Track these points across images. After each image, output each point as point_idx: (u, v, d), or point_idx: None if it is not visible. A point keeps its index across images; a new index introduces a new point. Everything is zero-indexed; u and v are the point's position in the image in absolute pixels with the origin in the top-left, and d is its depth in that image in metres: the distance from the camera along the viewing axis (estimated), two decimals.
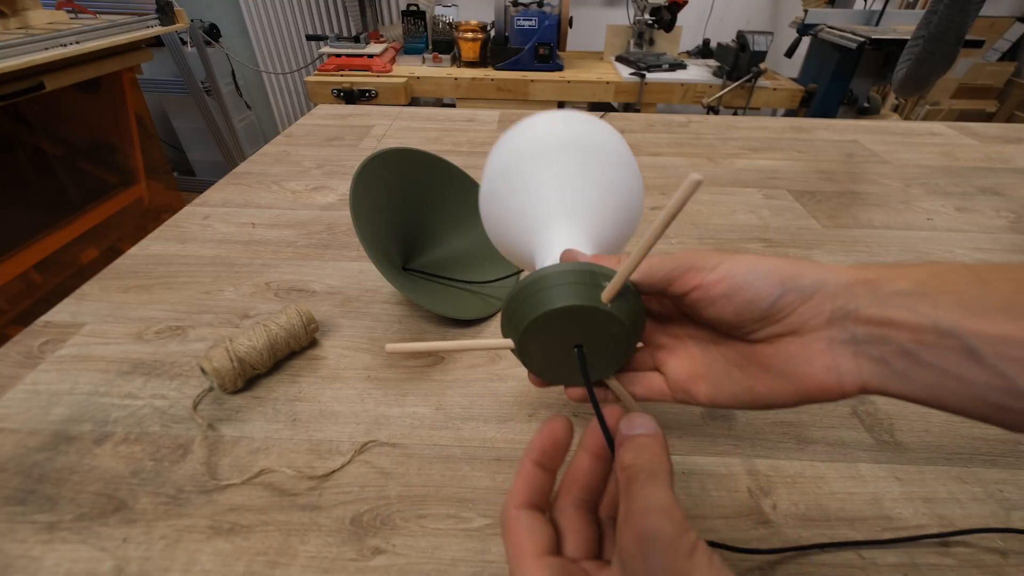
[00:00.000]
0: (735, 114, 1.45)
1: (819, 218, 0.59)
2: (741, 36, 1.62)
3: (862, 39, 1.45)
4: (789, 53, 1.75)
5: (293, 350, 0.39)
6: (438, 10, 1.80)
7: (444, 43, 1.80)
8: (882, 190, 0.66)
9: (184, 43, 1.80)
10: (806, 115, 1.71)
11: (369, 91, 1.67)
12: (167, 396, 0.36)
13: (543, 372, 0.24)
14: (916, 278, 0.19)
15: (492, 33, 1.81)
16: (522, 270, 0.48)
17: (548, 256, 0.26)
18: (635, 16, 1.86)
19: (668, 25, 1.76)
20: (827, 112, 1.65)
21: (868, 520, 0.29)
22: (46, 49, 1.05)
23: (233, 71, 2.19)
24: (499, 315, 0.44)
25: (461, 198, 0.50)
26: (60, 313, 0.43)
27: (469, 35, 1.76)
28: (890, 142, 0.82)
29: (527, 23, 1.70)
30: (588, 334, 0.22)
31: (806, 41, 1.73)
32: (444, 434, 0.34)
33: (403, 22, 1.80)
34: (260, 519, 0.29)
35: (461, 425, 0.34)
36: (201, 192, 0.63)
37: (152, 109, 1.69)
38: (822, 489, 0.31)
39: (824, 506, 0.30)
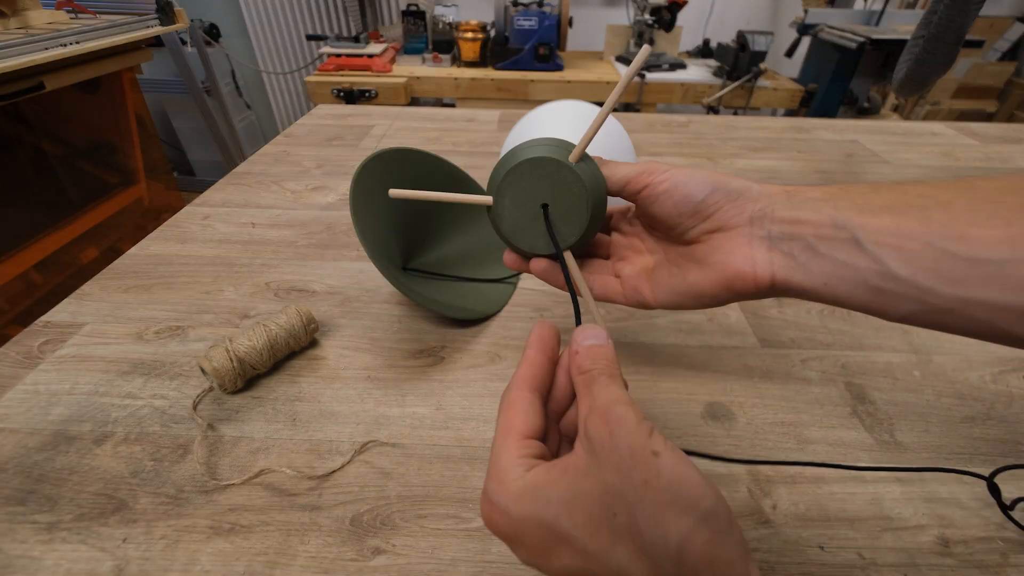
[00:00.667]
0: (735, 114, 1.45)
1: None
2: (741, 36, 1.62)
3: (862, 39, 1.44)
4: (789, 53, 1.75)
5: (293, 350, 0.39)
6: (438, 10, 1.80)
7: (444, 43, 1.80)
8: None
9: (184, 43, 1.79)
10: (806, 115, 1.71)
11: (369, 91, 1.67)
12: (167, 396, 0.36)
13: (513, 235, 0.28)
14: (825, 190, 0.23)
15: (492, 33, 1.81)
16: (520, 273, 0.49)
17: None
18: (635, 16, 1.86)
19: (668, 25, 1.76)
20: (827, 112, 1.65)
21: (868, 520, 0.29)
22: (46, 49, 1.05)
23: (233, 71, 2.19)
24: (499, 314, 0.44)
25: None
26: (60, 313, 0.43)
27: (469, 35, 1.76)
28: (890, 142, 0.82)
29: (527, 23, 1.70)
30: (554, 194, 0.26)
31: (806, 41, 1.73)
32: (444, 434, 0.34)
33: (403, 22, 1.80)
34: (260, 519, 0.29)
35: (461, 425, 0.34)
36: (201, 192, 0.63)
37: (152, 109, 1.69)
38: (822, 489, 0.31)
39: (824, 506, 0.30)
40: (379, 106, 1.16)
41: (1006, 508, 0.28)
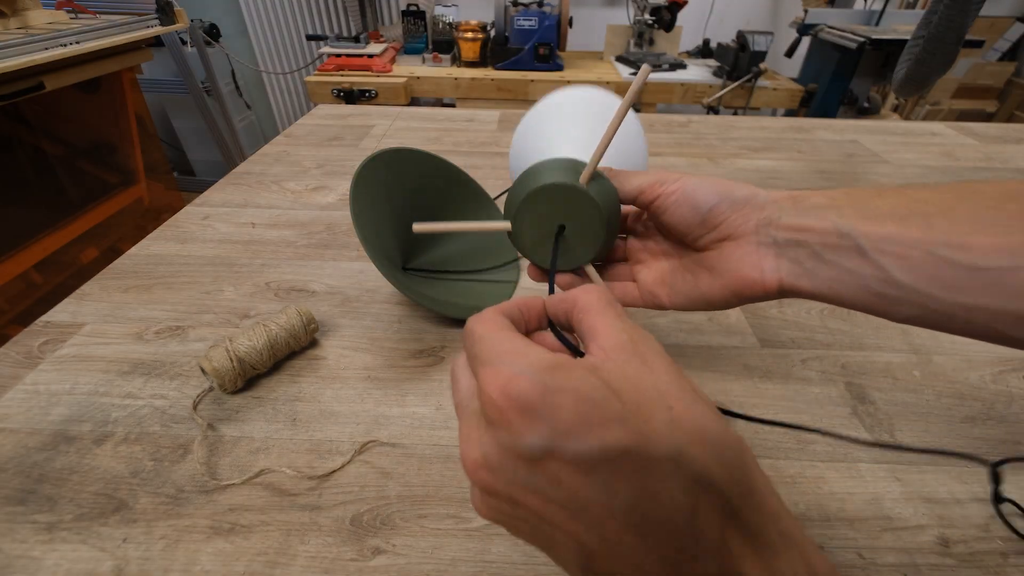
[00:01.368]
0: (735, 114, 1.45)
1: None
2: (741, 36, 1.62)
3: (862, 39, 1.44)
4: (789, 53, 1.75)
5: (293, 350, 0.39)
6: (438, 10, 1.80)
7: (444, 43, 1.80)
8: None
9: (184, 43, 1.79)
10: (806, 115, 1.71)
11: (369, 91, 1.67)
12: (167, 396, 0.36)
13: (534, 254, 0.29)
14: (830, 196, 0.23)
15: (492, 33, 1.81)
16: (519, 257, 0.49)
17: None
18: (635, 16, 1.86)
19: (668, 25, 1.76)
20: (827, 112, 1.65)
21: (868, 520, 0.29)
22: (46, 49, 1.05)
23: (233, 71, 2.18)
24: None
25: (461, 198, 0.50)
26: (60, 313, 0.43)
27: (469, 35, 1.76)
28: (890, 142, 0.82)
29: (527, 23, 1.70)
30: (570, 214, 0.27)
31: (806, 41, 1.73)
32: (444, 434, 0.34)
33: (403, 22, 1.81)
34: (260, 519, 0.29)
35: None
36: (201, 192, 0.63)
37: (152, 109, 1.69)
38: (822, 489, 0.31)
39: (824, 506, 0.30)
40: (379, 106, 1.16)
41: (998, 499, 0.29)
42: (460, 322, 0.43)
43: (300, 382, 0.37)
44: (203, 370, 0.34)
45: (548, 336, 0.21)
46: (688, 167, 0.72)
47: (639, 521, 0.14)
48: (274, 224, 0.57)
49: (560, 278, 0.29)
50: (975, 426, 0.34)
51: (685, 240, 0.27)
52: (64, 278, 1.30)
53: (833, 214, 0.22)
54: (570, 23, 1.85)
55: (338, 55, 1.73)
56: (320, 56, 1.80)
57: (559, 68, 1.76)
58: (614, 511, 0.14)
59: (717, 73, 1.75)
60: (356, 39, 1.79)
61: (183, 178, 2.19)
